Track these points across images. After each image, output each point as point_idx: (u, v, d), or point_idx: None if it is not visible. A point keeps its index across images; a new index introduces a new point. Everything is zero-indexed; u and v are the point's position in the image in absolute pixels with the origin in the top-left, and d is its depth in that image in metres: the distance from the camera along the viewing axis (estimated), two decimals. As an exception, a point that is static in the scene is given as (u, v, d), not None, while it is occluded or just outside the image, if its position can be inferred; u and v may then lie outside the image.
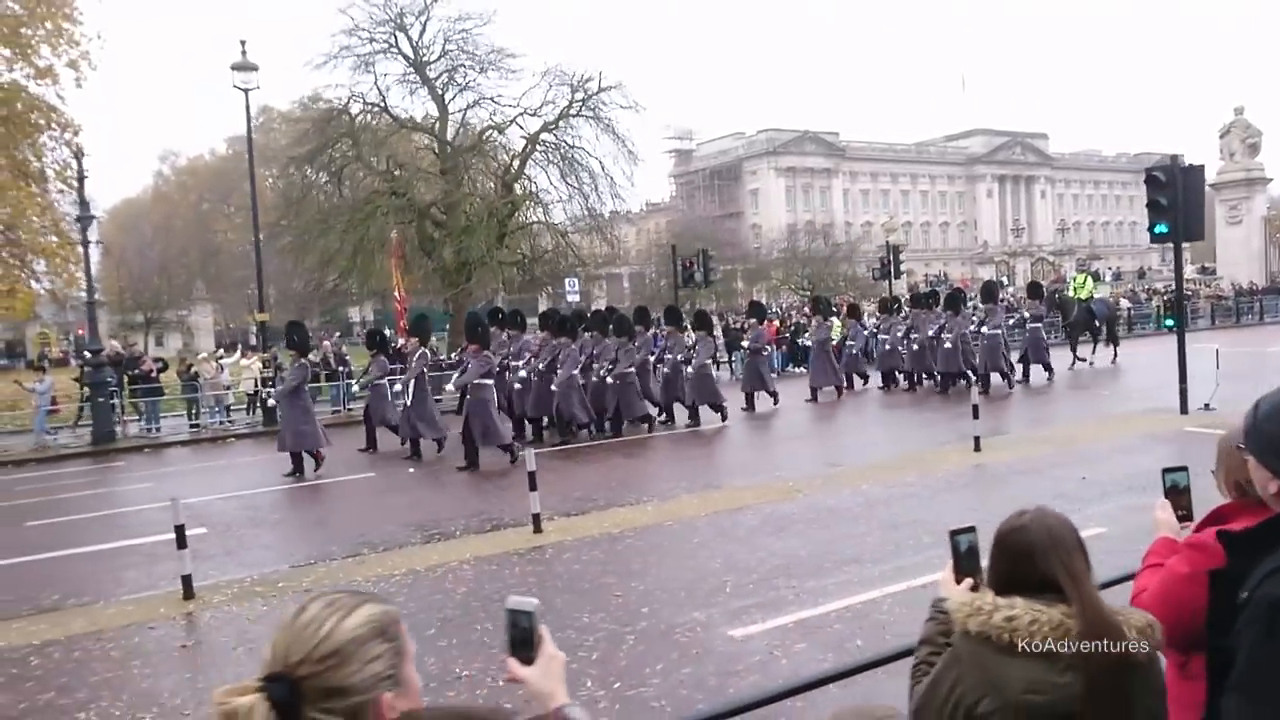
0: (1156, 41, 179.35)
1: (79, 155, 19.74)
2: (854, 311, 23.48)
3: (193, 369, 20.92)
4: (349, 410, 21.10)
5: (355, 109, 29.27)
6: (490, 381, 13.65)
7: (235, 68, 20.14)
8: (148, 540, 9.72)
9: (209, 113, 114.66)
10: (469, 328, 14.63)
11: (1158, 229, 13.65)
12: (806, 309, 28.59)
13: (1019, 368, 19.87)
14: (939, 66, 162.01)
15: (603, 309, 21.27)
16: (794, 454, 13.40)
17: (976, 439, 11.74)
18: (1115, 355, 23.21)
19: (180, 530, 7.57)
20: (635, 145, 30.04)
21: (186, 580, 7.60)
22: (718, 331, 25.56)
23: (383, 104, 28.56)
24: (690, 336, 17.32)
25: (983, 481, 10.46)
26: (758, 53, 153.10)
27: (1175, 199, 13.27)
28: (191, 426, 20.41)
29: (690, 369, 16.63)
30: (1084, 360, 22.54)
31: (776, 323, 27.52)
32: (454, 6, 27.56)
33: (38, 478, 15.71)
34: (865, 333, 23.41)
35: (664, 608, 6.72)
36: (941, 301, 20.99)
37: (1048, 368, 19.87)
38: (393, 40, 28.78)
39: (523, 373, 15.85)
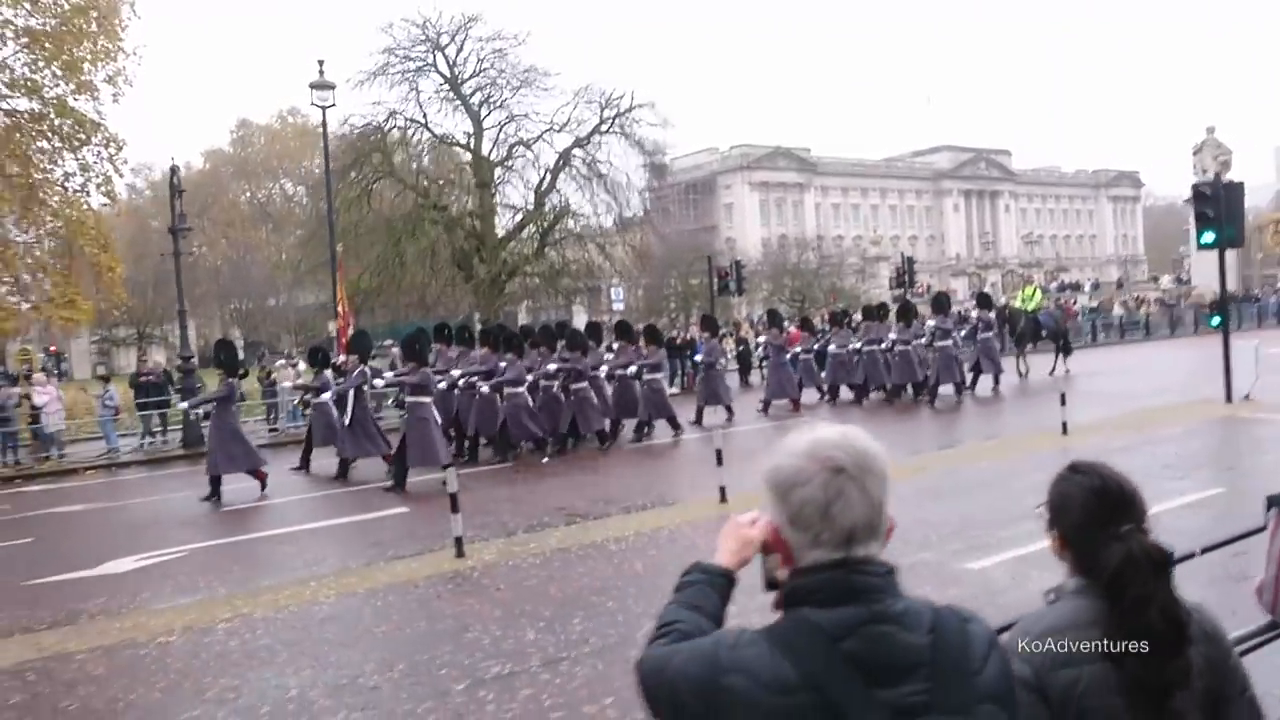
0: (1112, 60, 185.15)
1: (174, 170, 20.62)
2: (806, 324, 23.22)
3: (271, 375, 21.88)
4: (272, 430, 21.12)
5: (389, 125, 30.37)
6: (429, 399, 13.25)
7: (313, 86, 21.21)
8: (366, 517, 10.86)
9: (181, 127, 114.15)
10: (406, 345, 14.34)
11: (1203, 238, 15.34)
12: (760, 323, 28.77)
13: (969, 377, 20.07)
14: (905, 83, 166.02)
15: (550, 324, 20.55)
16: (888, 443, 14.81)
17: (1064, 424, 13.22)
18: (1066, 367, 23.21)
19: (454, 498, 8.75)
20: (663, 159, 31.41)
21: (459, 541, 8.77)
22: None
23: (424, 120, 29.71)
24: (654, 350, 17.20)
25: (1089, 457, 11.89)
26: (726, 69, 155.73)
27: (1220, 211, 14.95)
28: (270, 430, 21.32)
29: (643, 382, 16.43)
30: (1022, 374, 22.29)
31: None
32: (488, 27, 28.66)
33: (164, 476, 16.65)
34: (816, 345, 22.37)
35: (887, 553, 8.02)
36: (892, 313, 21.01)
37: (995, 379, 20.07)
38: (430, 59, 29.98)
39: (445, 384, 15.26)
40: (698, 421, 17.64)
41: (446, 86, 30.15)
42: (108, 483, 16.71)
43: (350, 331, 19.35)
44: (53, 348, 61.98)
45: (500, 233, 31.15)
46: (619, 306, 27.70)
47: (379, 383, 15.34)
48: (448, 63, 30.04)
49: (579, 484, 12.63)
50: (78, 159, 26.24)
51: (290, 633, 7.01)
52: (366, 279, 31.00)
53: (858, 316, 23.61)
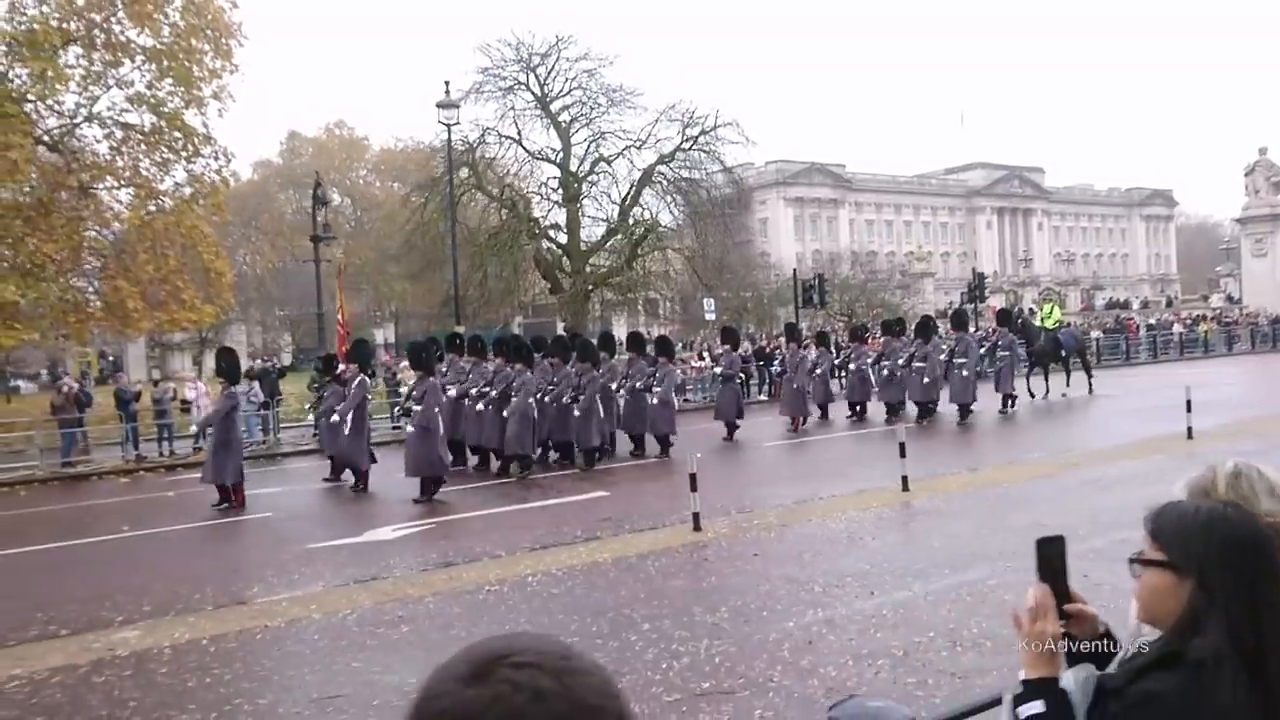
0: (1145, 78, 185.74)
1: (318, 183, 21.94)
2: (822, 339, 22.60)
3: (397, 376, 23.11)
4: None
5: (474, 139, 31.62)
6: (435, 410, 13.11)
7: (440, 105, 22.46)
8: (574, 499, 12.02)
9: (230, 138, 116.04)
10: (413, 355, 14.32)
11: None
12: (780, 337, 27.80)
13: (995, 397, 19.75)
14: (939, 100, 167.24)
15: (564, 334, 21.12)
16: (1024, 443, 15.86)
17: (1189, 429, 14.26)
18: (1090, 386, 22.72)
19: (694, 478, 9.87)
20: (743, 176, 32.70)
21: (696, 516, 9.89)
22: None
23: (518, 136, 31.02)
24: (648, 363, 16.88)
25: (1223, 460, 12.91)
26: (761, 85, 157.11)
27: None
28: (394, 428, 22.48)
29: (653, 397, 16.19)
30: (1033, 395, 21.57)
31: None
32: (577, 48, 29.71)
33: (316, 467, 17.73)
34: (834, 360, 22.40)
35: (1106, 528, 8.92)
36: (911, 329, 20.64)
37: (1011, 398, 19.86)
38: (523, 79, 31.31)
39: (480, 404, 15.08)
40: (729, 437, 17.57)
41: (536, 104, 31.46)
42: (266, 471, 17.84)
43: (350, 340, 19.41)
44: (105, 350, 63.28)
45: (583, 246, 32.39)
46: (710, 316, 28.93)
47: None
48: (538, 82, 31.37)
49: (755, 473, 13.78)
50: (188, 170, 27.63)
51: (599, 585, 8.14)
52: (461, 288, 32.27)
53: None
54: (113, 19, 25.65)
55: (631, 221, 31.71)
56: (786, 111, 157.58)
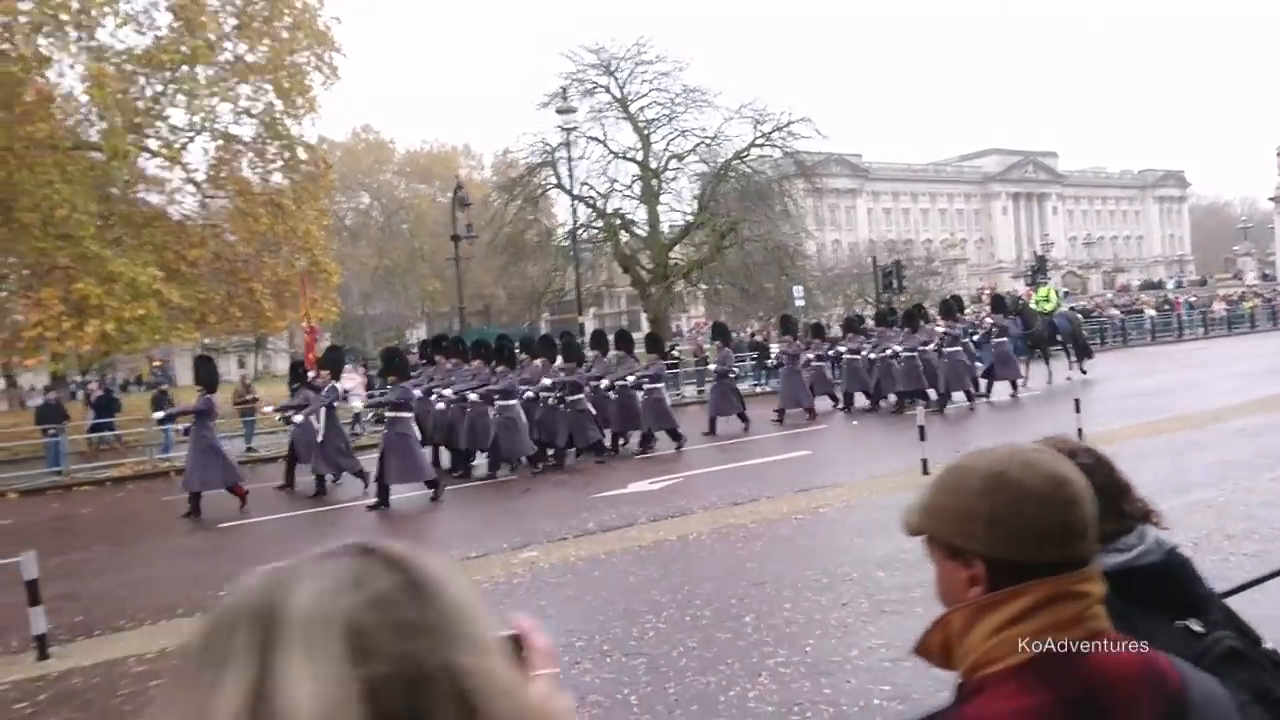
0: (1151, 58, 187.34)
1: (459, 186, 23.59)
2: (817, 331, 22.49)
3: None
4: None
5: (556, 141, 33.31)
6: (409, 415, 12.96)
7: (559, 111, 24.15)
8: (780, 458, 13.74)
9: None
10: (386, 359, 14.50)
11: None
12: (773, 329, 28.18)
13: (983, 383, 19.92)
14: (952, 87, 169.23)
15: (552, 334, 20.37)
16: (1149, 406, 17.41)
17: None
18: (1080, 367, 23.07)
19: (922, 430, 11.58)
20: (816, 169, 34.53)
21: (924, 462, 11.58)
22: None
23: (602, 137, 32.79)
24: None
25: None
26: (777, 78, 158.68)
27: None
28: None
29: (643, 394, 16.06)
30: (1022, 383, 21.10)
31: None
32: (652, 51, 31.19)
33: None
34: (831, 352, 21.80)
35: (1220, 479, 10.51)
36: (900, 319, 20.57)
37: (1014, 384, 19.84)
38: (603, 82, 33.05)
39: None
40: (710, 431, 17.57)
41: (617, 105, 33.18)
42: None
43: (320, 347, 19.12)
44: (154, 360, 64.45)
45: (663, 240, 34.25)
46: (800, 303, 30.78)
47: (356, 403, 16.83)
48: (618, 84, 33.08)
49: (909, 441, 15.45)
50: (290, 179, 29.23)
51: (886, 511, 9.82)
52: (542, 283, 34.08)
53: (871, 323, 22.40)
54: (233, 37, 27.25)
55: (712, 214, 33.48)
56: (801, 101, 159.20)
